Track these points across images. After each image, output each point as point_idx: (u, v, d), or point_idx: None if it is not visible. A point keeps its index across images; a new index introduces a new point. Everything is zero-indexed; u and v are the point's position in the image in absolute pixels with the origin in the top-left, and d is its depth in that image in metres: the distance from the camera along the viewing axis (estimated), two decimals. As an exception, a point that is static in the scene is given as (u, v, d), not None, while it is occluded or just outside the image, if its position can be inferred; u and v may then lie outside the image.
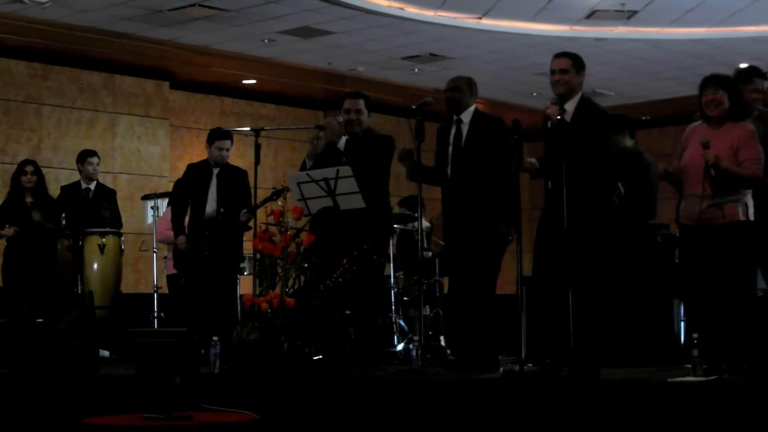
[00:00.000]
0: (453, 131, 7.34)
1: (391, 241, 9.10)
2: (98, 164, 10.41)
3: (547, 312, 6.57)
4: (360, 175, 7.32)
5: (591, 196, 6.60)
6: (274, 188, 8.12)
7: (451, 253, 7.45)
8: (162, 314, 10.31)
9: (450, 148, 7.31)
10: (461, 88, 7.37)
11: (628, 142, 7.93)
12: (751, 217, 6.47)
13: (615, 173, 7.34)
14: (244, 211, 8.47)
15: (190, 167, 8.98)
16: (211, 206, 8.66)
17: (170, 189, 10.80)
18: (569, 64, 6.78)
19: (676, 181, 6.73)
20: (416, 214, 7.78)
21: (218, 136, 8.75)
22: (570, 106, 6.69)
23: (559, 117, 6.52)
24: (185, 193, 8.90)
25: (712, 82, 6.58)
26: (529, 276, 7.02)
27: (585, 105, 6.75)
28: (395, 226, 9.50)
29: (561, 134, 6.49)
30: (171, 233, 9.83)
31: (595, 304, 6.51)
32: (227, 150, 8.72)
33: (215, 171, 8.73)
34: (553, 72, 6.79)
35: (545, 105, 6.78)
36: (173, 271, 9.69)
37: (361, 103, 7.78)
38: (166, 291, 10.02)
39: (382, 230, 7.74)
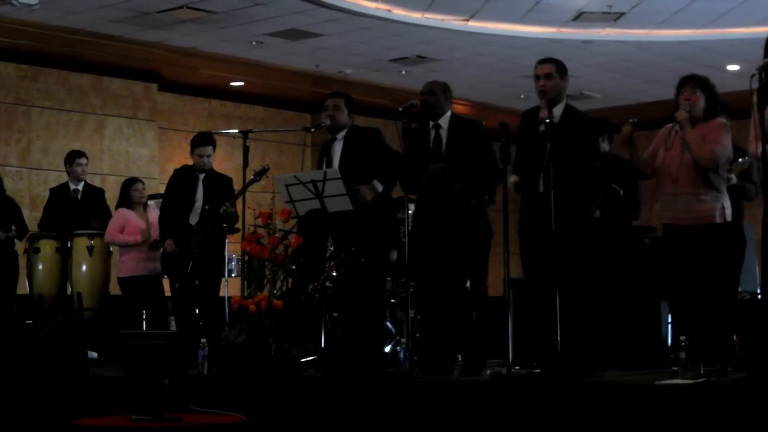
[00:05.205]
0: (432, 136, 7.31)
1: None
2: (87, 165, 10.41)
3: (538, 316, 6.59)
4: (358, 173, 7.34)
5: (580, 199, 6.64)
6: (254, 170, 8.08)
7: (424, 259, 7.30)
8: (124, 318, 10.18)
9: (429, 154, 7.23)
10: (437, 92, 7.34)
11: (606, 147, 8.01)
12: (728, 218, 6.52)
13: (604, 176, 7.40)
14: (226, 204, 8.35)
15: (176, 172, 8.97)
16: (197, 211, 8.64)
17: (159, 191, 10.77)
18: (553, 68, 6.81)
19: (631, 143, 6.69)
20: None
21: (198, 142, 8.71)
22: (557, 111, 6.73)
23: (548, 120, 6.55)
24: (172, 197, 8.87)
25: (690, 81, 6.63)
26: (517, 278, 7.05)
27: (571, 111, 6.79)
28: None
29: (552, 136, 6.52)
30: (119, 235, 9.65)
31: (589, 306, 6.55)
32: (208, 156, 8.69)
33: (201, 176, 8.72)
34: (537, 77, 6.81)
35: (539, 108, 6.76)
36: (126, 274, 9.54)
37: (341, 101, 7.75)
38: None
39: (383, 233, 7.70)
